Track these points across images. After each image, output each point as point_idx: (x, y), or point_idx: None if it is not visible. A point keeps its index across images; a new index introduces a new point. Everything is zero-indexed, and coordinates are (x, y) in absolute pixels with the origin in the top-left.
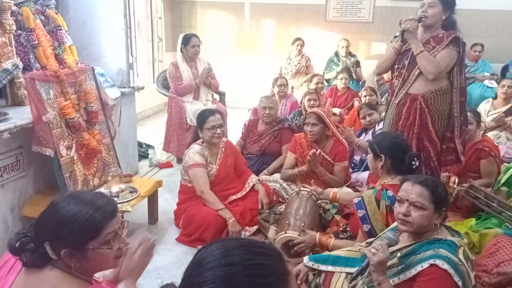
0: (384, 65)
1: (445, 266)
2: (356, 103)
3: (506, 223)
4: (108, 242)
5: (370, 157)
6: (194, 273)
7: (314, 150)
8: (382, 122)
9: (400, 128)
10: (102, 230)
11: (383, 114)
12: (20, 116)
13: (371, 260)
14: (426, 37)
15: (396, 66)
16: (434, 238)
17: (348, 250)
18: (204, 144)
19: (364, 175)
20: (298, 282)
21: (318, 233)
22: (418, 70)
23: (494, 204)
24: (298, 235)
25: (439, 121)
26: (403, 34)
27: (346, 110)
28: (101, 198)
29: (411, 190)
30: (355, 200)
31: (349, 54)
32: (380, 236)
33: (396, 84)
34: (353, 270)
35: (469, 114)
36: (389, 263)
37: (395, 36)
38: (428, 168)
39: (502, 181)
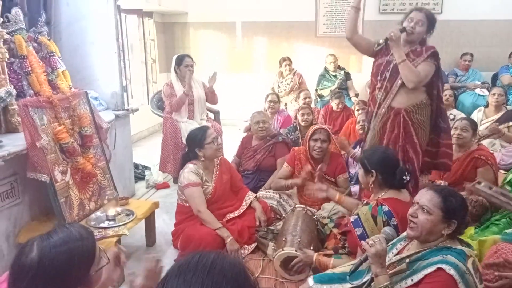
0: (348, 26)
1: (452, 272)
2: None
3: (506, 230)
4: (101, 258)
5: (361, 172)
6: None
7: (309, 167)
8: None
9: (385, 141)
10: (95, 251)
11: None
12: (14, 143)
13: (368, 252)
14: (405, 51)
15: (378, 78)
16: (444, 245)
17: (352, 264)
18: (199, 164)
19: (356, 188)
20: None
21: (316, 253)
22: (400, 81)
23: (509, 194)
24: (296, 251)
25: (421, 133)
26: (387, 42)
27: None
28: (70, 228)
29: (424, 194)
30: (352, 219)
31: (338, 67)
32: None
33: (379, 96)
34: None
35: (465, 122)
36: (397, 269)
37: (379, 44)
38: (414, 179)
39: (508, 179)
